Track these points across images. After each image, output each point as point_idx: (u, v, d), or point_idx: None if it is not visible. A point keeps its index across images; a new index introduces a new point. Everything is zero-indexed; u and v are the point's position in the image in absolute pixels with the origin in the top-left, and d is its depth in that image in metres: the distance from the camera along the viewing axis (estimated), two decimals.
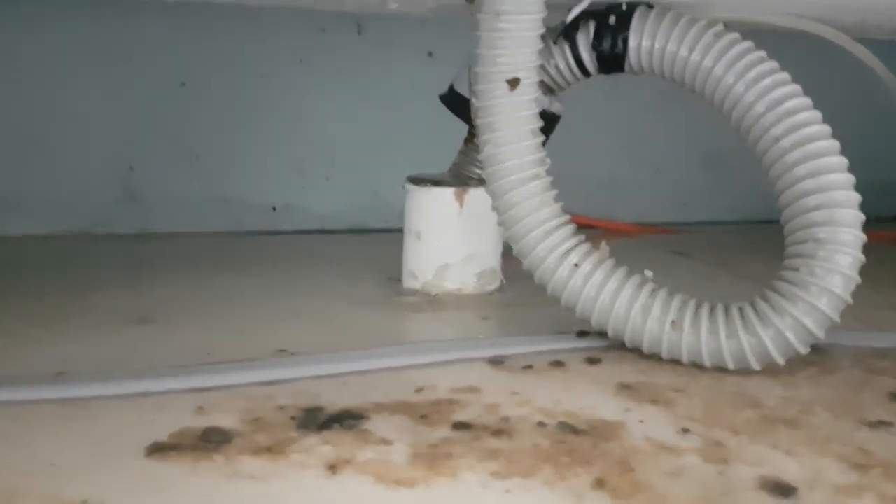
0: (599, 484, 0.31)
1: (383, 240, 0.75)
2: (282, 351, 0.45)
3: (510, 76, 0.47)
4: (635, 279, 0.46)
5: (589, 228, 0.85)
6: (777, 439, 0.36)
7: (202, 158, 0.77)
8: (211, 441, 0.33)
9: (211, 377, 0.40)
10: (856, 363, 0.46)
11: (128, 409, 0.36)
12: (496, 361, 0.44)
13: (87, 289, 0.56)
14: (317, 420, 0.36)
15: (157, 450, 0.32)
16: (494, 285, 0.59)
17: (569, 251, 0.47)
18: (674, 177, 0.91)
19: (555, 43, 0.52)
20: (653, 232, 0.87)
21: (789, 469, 0.33)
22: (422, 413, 0.37)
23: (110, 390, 0.38)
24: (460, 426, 0.36)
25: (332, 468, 0.31)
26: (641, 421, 0.37)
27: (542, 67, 0.50)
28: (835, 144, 0.44)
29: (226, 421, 0.35)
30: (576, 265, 0.46)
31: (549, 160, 0.48)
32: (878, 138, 0.89)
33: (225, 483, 0.30)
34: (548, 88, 0.55)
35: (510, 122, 0.47)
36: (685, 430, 0.36)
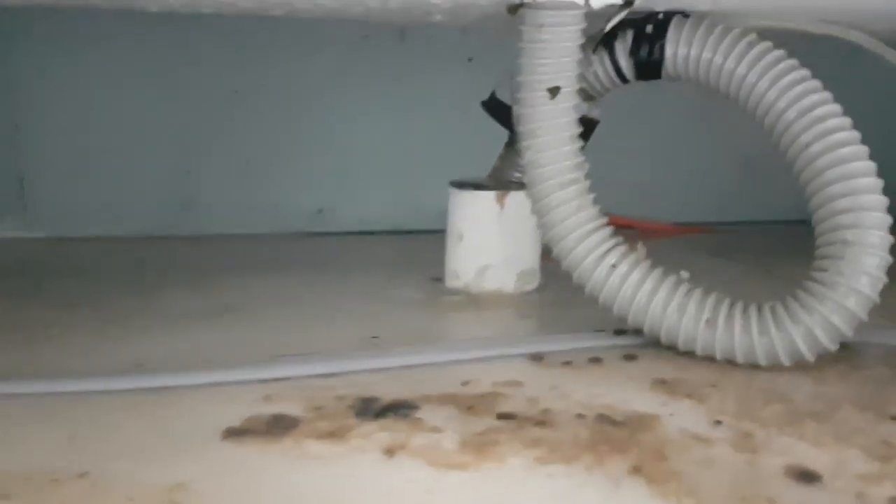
0: (636, 470, 0.33)
1: (423, 240, 0.78)
2: (374, 337, 0.49)
3: (551, 85, 0.50)
4: (671, 280, 0.48)
5: (627, 229, 0.87)
6: (804, 431, 0.38)
7: (252, 163, 0.81)
8: (279, 426, 0.37)
9: (275, 369, 0.43)
10: (883, 360, 0.47)
11: (203, 399, 0.40)
12: (536, 357, 0.47)
13: (154, 289, 0.60)
14: (373, 409, 0.39)
15: (233, 434, 0.36)
16: (534, 285, 0.61)
17: (606, 253, 0.49)
18: (710, 178, 0.92)
19: (594, 51, 0.54)
20: (690, 232, 0.88)
21: (815, 459, 0.35)
22: (468, 404, 0.40)
23: (186, 381, 0.41)
24: (504, 416, 0.38)
25: (389, 452, 0.34)
26: (675, 414, 0.39)
27: (582, 75, 0.53)
28: (863, 149, 0.46)
29: (291, 409, 0.38)
30: (613, 266, 0.49)
31: (587, 164, 0.51)
32: None
33: (294, 463, 0.33)
34: (587, 95, 0.57)
35: (550, 128, 0.50)
36: (717, 423, 0.38)
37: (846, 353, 0.47)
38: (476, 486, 0.32)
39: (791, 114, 0.48)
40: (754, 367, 0.45)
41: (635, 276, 0.48)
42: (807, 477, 0.33)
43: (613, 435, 0.37)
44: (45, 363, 0.45)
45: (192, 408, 0.39)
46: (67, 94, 0.76)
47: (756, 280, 0.69)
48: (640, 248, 0.50)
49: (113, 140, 0.78)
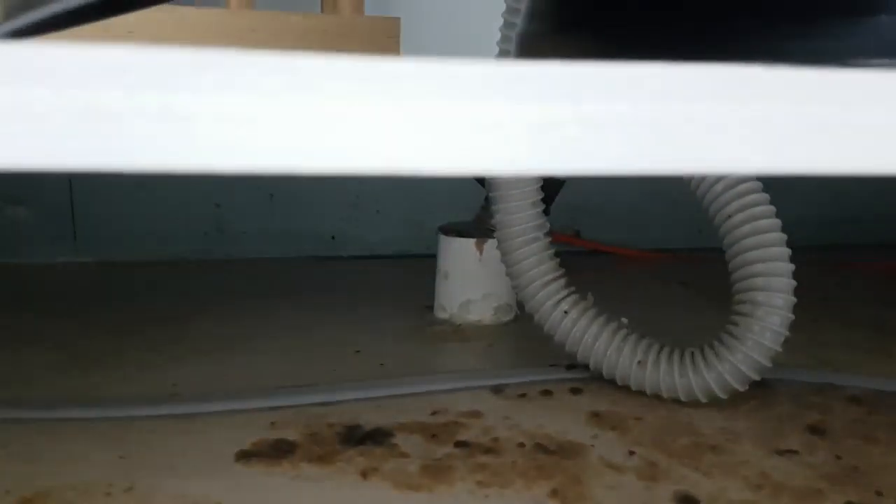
0: (554, 493, 0.43)
1: (424, 265, 0.87)
2: (382, 365, 0.59)
3: None
4: (613, 325, 0.57)
5: (609, 255, 0.96)
6: (700, 462, 0.47)
7: (275, 197, 0.91)
8: (280, 450, 0.47)
9: (280, 399, 0.53)
10: (792, 398, 0.56)
11: (221, 424, 0.50)
12: (498, 389, 0.56)
13: (188, 317, 0.71)
14: (356, 436, 0.49)
15: (243, 456, 0.46)
16: (509, 317, 0.71)
17: (561, 300, 0.58)
18: (689, 207, 1.00)
19: None
20: (668, 259, 0.97)
21: (701, 486, 0.44)
22: (433, 433, 0.50)
23: (209, 408, 0.52)
24: (461, 444, 0.48)
25: (364, 474, 0.44)
26: (599, 444, 0.49)
27: None
28: (777, 222, 0.54)
29: (291, 435, 0.49)
30: (566, 312, 0.58)
31: (548, 224, 0.60)
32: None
33: (291, 482, 0.43)
34: None
35: (516, 196, 0.59)
36: (631, 453, 0.48)
37: (761, 391, 0.56)
38: (427, 502, 0.42)
39: (719, 187, 0.56)
40: (677, 402, 0.54)
41: (583, 321, 0.57)
42: (688, 501, 0.42)
43: (545, 462, 0.46)
44: (98, 389, 0.56)
45: (213, 432, 0.49)
46: None
47: (707, 313, 0.77)
48: (589, 297, 0.59)
49: (155, 178, 0.88)
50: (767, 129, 0.15)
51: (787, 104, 0.15)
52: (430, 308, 0.73)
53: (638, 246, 0.98)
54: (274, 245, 0.92)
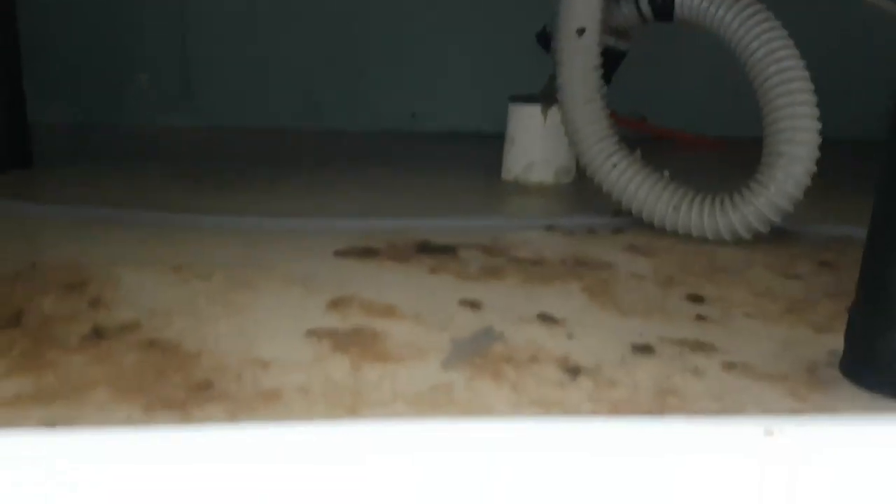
0: (585, 289, 0.53)
1: (494, 142, 0.96)
2: (451, 207, 0.69)
3: (579, 26, 0.67)
4: (655, 176, 0.66)
5: (673, 140, 1.02)
6: (713, 277, 0.55)
7: (364, 75, 1.01)
8: (368, 252, 0.58)
9: (368, 222, 0.65)
10: (811, 243, 0.63)
11: (322, 234, 0.62)
12: (550, 228, 0.66)
13: (291, 169, 0.83)
14: (427, 248, 0.60)
15: (340, 254, 0.58)
16: (568, 179, 0.80)
17: (611, 155, 0.67)
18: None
19: None
20: (732, 146, 1.02)
21: (709, 291, 0.53)
22: (491, 251, 0.60)
23: (313, 224, 0.64)
24: (512, 259, 0.58)
25: (433, 270, 0.55)
26: (630, 264, 0.58)
27: (613, 14, 0.69)
28: (810, 85, 0.60)
29: (376, 244, 0.60)
30: (614, 165, 0.67)
31: (605, 87, 0.68)
32: None
33: (376, 270, 0.55)
34: (617, 31, 0.73)
35: (576, 60, 0.67)
36: (655, 270, 0.57)
37: (783, 237, 0.64)
38: (482, 288, 0.53)
39: (760, 53, 0.62)
40: (704, 240, 0.63)
41: (629, 172, 0.66)
42: (696, 299, 0.51)
43: (580, 272, 0.56)
44: (225, 208, 0.68)
45: (315, 239, 0.61)
46: (226, 9, 0.99)
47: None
48: (637, 153, 0.67)
49: (260, 52, 1.00)
50: None
51: None
52: (499, 174, 0.83)
53: (703, 133, 1.04)
54: (362, 120, 1.03)
